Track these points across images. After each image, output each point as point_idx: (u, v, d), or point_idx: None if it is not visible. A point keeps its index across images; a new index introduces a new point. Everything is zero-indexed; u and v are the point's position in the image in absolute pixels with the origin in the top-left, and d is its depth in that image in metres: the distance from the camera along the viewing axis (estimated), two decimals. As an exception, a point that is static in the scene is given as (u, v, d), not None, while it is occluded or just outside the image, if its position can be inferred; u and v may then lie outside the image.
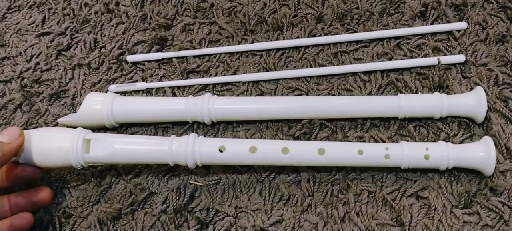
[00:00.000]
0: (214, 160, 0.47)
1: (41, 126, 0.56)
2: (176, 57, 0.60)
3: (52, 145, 0.46)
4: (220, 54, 0.60)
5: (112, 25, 0.65)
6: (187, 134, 0.49)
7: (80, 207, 0.49)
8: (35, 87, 0.60)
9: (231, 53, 0.60)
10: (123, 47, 0.62)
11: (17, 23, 0.67)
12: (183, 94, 0.57)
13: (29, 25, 0.67)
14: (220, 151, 0.46)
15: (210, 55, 0.60)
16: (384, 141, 0.50)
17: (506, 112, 0.51)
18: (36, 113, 0.57)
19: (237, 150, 0.47)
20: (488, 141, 0.46)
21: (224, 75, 0.58)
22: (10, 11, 0.69)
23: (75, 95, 0.58)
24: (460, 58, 0.55)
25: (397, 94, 0.52)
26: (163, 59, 0.60)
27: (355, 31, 0.60)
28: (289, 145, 0.47)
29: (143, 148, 0.47)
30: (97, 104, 0.52)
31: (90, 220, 0.48)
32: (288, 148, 0.47)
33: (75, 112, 0.55)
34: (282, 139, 0.52)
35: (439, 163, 0.46)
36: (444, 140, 0.49)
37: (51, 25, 0.66)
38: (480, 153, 0.46)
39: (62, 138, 0.47)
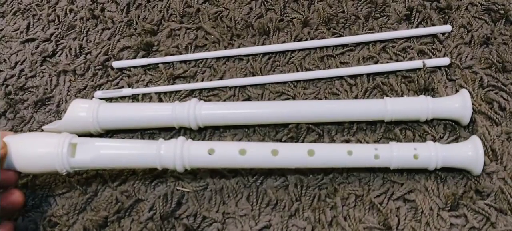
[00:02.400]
0: (203, 163, 0.47)
1: (26, 134, 0.55)
2: (162, 63, 0.60)
3: (36, 150, 0.46)
4: (207, 59, 0.60)
5: (98, 31, 0.64)
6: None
7: (66, 216, 0.49)
8: (20, 94, 0.59)
9: (218, 58, 0.60)
10: (109, 53, 0.62)
11: (1, 30, 0.67)
12: (169, 99, 0.56)
13: (13, 31, 0.66)
14: (209, 153, 0.46)
15: (196, 60, 0.60)
16: (371, 145, 0.50)
17: (491, 114, 0.51)
18: (20, 120, 0.56)
19: (226, 152, 0.47)
20: (476, 140, 0.46)
21: (211, 80, 0.58)
22: (-6, 17, 0.69)
23: (61, 102, 0.58)
24: (445, 61, 0.55)
25: (383, 98, 0.52)
26: (149, 64, 0.60)
27: (341, 35, 0.60)
28: (278, 147, 0.47)
29: (130, 153, 0.47)
30: (82, 111, 0.51)
31: (76, 229, 0.48)
32: (277, 150, 0.46)
33: (60, 119, 0.55)
34: (269, 144, 0.52)
35: (428, 163, 0.46)
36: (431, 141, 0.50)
37: (36, 32, 0.66)
38: (469, 153, 0.46)
39: (47, 143, 0.46)
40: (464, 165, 0.47)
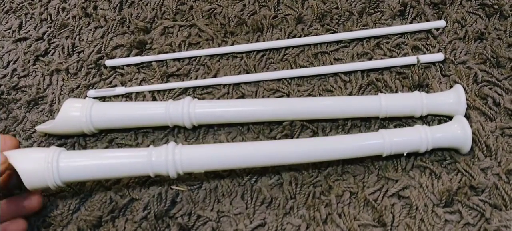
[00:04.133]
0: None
1: (19, 134, 0.55)
2: (156, 61, 0.59)
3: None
4: (200, 57, 0.60)
5: (90, 29, 0.64)
6: (167, 139, 0.48)
7: (60, 216, 0.49)
8: (13, 94, 0.59)
9: (211, 56, 0.60)
10: (102, 52, 0.61)
11: (-7, 29, 0.66)
12: (163, 98, 0.56)
13: (5, 30, 0.66)
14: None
15: (190, 58, 0.60)
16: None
17: (486, 109, 0.51)
18: (13, 120, 0.56)
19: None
20: (461, 119, 0.48)
21: (205, 78, 0.58)
22: (-14, 16, 0.68)
23: (54, 101, 0.57)
24: (439, 56, 0.55)
25: (377, 94, 0.52)
26: (142, 63, 0.60)
27: (335, 32, 0.60)
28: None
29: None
30: (76, 111, 0.51)
31: (70, 229, 0.48)
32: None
33: (54, 118, 0.55)
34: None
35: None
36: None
37: (28, 30, 0.65)
38: (458, 131, 0.47)
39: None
40: (453, 144, 0.48)
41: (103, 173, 0.46)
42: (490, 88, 0.53)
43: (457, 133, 0.47)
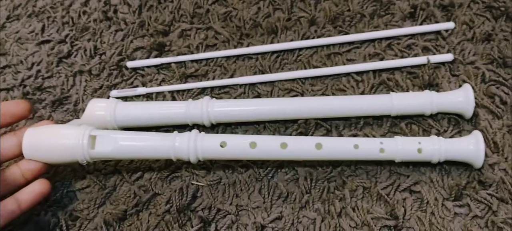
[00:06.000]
0: (215, 155, 0.49)
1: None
2: (175, 62, 0.62)
3: (58, 141, 0.48)
4: (217, 58, 0.62)
5: (111, 32, 0.66)
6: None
7: (86, 209, 0.51)
8: (37, 95, 0.61)
9: (228, 57, 0.62)
10: (123, 54, 0.64)
11: (17, 32, 0.69)
12: (182, 98, 0.58)
13: (29, 33, 0.68)
14: (221, 146, 0.48)
15: (207, 59, 0.62)
16: (377, 139, 0.52)
17: (493, 108, 0.53)
18: (39, 119, 0.58)
19: (238, 145, 0.48)
20: (477, 135, 0.48)
21: (222, 78, 0.60)
22: (10, 20, 0.71)
23: (77, 101, 0.60)
24: (449, 57, 0.57)
25: (389, 93, 0.54)
26: (162, 64, 0.62)
27: (347, 33, 0.62)
28: (287, 140, 0.48)
29: (147, 144, 0.49)
30: (100, 110, 0.53)
31: (96, 222, 0.50)
32: (286, 143, 0.48)
33: (78, 118, 0.57)
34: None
35: (431, 156, 0.48)
36: (435, 135, 0.51)
37: (51, 33, 0.68)
38: (470, 147, 0.47)
39: (67, 134, 0.48)
40: (466, 158, 0.48)
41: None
42: (497, 87, 0.54)
43: (470, 149, 0.48)
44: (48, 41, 0.67)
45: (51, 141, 0.47)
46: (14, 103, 0.48)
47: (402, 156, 0.48)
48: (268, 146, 0.48)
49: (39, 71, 0.64)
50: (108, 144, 0.48)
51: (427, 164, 0.50)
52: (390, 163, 0.50)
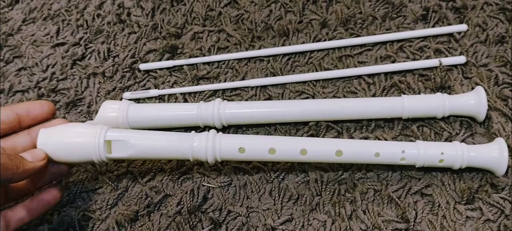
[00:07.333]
0: (234, 156, 0.49)
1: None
2: (187, 65, 0.62)
3: (74, 140, 0.47)
4: (229, 60, 0.62)
5: (125, 35, 0.67)
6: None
7: (99, 210, 0.52)
8: (52, 96, 0.62)
9: (239, 59, 0.62)
10: (136, 56, 0.64)
11: (32, 35, 0.70)
12: (194, 100, 0.59)
13: (44, 36, 0.69)
14: (240, 152, 0.48)
15: (219, 61, 0.62)
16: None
17: (506, 110, 0.52)
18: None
19: (257, 149, 0.48)
20: (501, 142, 0.47)
21: (233, 80, 0.60)
22: (25, 23, 0.72)
23: (91, 103, 0.61)
24: (461, 59, 0.57)
25: (400, 96, 0.53)
26: (174, 66, 0.63)
27: (358, 35, 0.62)
28: (307, 146, 0.47)
29: (164, 144, 0.48)
30: (113, 112, 0.53)
31: (109, 223, 0.50)
32: (306, 149, 0.47)
33: (91, 119, 0.58)
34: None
35: (453, 163, 0.47)
36: (446, 139, 0.51)
37: (65, 36, 0.69)
38: (495, 154, 0.47)
39: (83, 133, 0.47)
40: (488, 166, 0.48)
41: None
42: (511, 90, 0.54)
43: (494, 156, 0.47)
44: (62, 44, 0.68)
45: (67, 139, 0.47)
46: (37, 104, 0.48)
47: (424, 162, 0.48)
48: (288, 151, 0.48)
49: (53, 73, 0.65)
50: (124, 146, 0.48)
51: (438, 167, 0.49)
52: (402, 165, 0.50)
